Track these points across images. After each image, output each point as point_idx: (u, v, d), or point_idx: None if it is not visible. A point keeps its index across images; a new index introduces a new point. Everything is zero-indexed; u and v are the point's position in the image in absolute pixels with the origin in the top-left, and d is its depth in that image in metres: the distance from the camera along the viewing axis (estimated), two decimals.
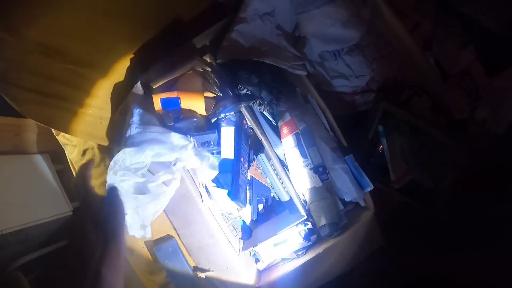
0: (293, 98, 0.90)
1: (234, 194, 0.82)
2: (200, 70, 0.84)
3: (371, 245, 0.93)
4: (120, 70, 0.92)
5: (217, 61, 0.86)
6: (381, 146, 0.93)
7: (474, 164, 0.99)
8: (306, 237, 0.88)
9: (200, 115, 0.84)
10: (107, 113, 0.93)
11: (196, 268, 0.94)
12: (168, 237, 0.96)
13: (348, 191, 0.83)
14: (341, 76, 0.94)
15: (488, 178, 1.01)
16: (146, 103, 0.88)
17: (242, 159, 0.85)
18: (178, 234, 0.93)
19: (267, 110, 0.87)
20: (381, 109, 0.90)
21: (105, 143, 0.92)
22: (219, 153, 0.86)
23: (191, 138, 0.82)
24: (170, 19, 0.91)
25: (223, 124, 0.86)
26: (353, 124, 0.98)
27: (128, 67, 0.92)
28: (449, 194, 0.97)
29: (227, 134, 0.85)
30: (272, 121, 0.91)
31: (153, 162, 0.83)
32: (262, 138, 0.85)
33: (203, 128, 0.87)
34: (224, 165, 0.84)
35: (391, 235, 0.94)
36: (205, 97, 0.82)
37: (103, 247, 0.62)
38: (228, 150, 0.85)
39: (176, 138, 0.80)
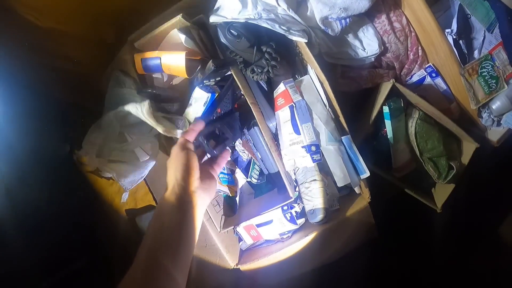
0: (291, 68, 0.83)
1: None
2: (186, 28, 0.78)
3: (364, 236, 0.87)
4: (108, 31, 0.88)
5: (209, 22, 0.80)
6: (385, 129, 0.86)
7: (484, 159, 0.92)
8: (292, 220, 0.82)
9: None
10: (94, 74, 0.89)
11: None
12: (150, 208, 0.93)
13: (342, 175, 0.77)
14: (347, 48, 0.86)
15: (497, 176, 0.94)
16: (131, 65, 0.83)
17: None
18: None
19: (261, 79, 0.81)
20: (389, 88, 0.83)
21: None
22: None
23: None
24: None
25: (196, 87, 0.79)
26: (356, 102, 0.91)
27: (117, 28, 0.88)
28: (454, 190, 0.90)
29: (199, 97, 0.79)
30: (266, 90, 0.85)
31: (130, 127, 0.79)
32: (253, 108, 0.79)
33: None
34: None
35: (384, 226, 0.88)
36: (188, 59, 0.76)
37: None
38: (194, 113, 0.79)
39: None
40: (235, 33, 0.77)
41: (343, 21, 0.83)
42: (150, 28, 0.82)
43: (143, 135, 0.82)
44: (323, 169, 0.83)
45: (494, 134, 0.95)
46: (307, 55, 0.79)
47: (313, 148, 0.77)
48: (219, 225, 0.84)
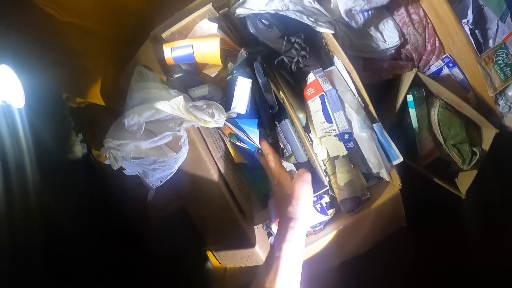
0: (318, 59, 0.85)
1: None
2: (216, 18, 0.79)
3: (394, 224, 0.89)
4: (127, 26, 0.87)
5: (236, 14, 0.82)
6: (408, 118, 0.89)
7: (503, 145, 0.96)
8: (323, 211, 0.83)
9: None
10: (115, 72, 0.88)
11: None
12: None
13: (377, 161, 0.78)
14: (369, 40, 0.90)
15: None
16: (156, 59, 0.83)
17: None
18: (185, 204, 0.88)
19: (290, 70, 0.82)
20: (412, 77, 0.86)
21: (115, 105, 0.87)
22: None
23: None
24: None
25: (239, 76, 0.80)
26: (379, 94, 0.94)
27: (137, 23, 0.88)
28: (477, 177, 0.93)
29: (242, 86, 0.79)
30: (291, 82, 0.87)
31: (156, 123, 0.79)
32: (284, 99, 0.80)
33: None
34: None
35: (411, 215, 0.90)
36: (222, 48, 0.77)
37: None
38: (240, 103, 0.79)
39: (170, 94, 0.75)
40: (267, 23, 0.79)
41: (365, 13, 0.86)
42: (175, 20, 0.82)
43: (171, 129, 0.81)
44: (353, 159, 0.84)
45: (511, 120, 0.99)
46: (334, 46, 0.82)
47: (346, 136, 0.79)
48: (251, 219, 0.84)
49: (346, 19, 0.85)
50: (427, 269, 0.97)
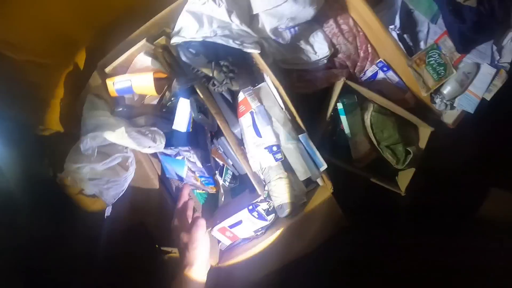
0: (249, 77, 0.92)
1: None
2: (151, 51, 0.87)
3: (334, 226, 0.96)
4: (79, 58, 0.97)
5: (171, 43, 0.90)
6: (342, 124, 0.95)
7: (443, 141, 1.01)
8: (261, 218, 0.91)
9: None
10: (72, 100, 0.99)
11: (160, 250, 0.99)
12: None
13: (303, 170, 0.86)
14: (300, 53, 0.96)
15: (457, 155, 1.03)
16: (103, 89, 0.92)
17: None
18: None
19: (222, 90, 0.90)
20: (340, 86, 0.92)
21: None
22: None
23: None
24: (125, 4, 0.95)
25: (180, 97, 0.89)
26: (318, 102, 1.00)
27: (87, 54, 0.97)
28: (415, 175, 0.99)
29: (182, 106, 0.88)
30: (230, 100, 0.95)
31: (107, 146, 0.89)
32: (217, 118, 0.88)
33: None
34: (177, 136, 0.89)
35: (355, 216, 0.97)
36: (156, 78, 0.86)
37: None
38: (181, 122, 0.88)
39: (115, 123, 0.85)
40: (193, 52, 0.86)
41: (292, 29, 0.93)
42: (117, 53, 0.91)
43: (120, 151, 0.91)
44: (288, 167, 0.92)
45: (450, 117, 1.04)
46: (261, 64, 0.89)
47: (275, 149, 0.86)
48: None
49: (273, 37, 0.91)
50: (369, 269, 1.04)
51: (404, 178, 0.99)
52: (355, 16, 0.97)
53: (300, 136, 0.87)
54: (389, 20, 0.99)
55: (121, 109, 0.89)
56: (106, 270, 0.98)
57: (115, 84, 0.89)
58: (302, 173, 0.86)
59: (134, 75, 0.88)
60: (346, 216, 0.95)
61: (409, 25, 0.99)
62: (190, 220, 0.83)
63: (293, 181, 0.91)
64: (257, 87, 0.91)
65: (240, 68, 0.90)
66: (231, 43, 0.86)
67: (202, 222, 0.79)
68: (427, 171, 1.00)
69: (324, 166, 0.86)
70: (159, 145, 0.88)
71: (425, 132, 0.99)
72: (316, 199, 0.92)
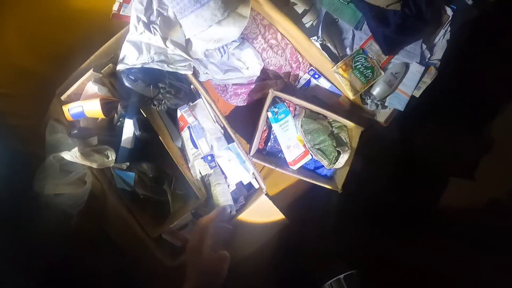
0: (187, 95, 1.04)
1: None
2: (98, 79, 1.00)
3: (274, 224, 1.06)
4: (39, 87, 1.11)
5: (117, 70, 1.02)
6: (274, 131, 1.05)
7: (377, 138, 1.08)
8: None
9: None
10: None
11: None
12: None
13: (233, 175, 0.96)
14: (233, 70, 1.06)
15: (392, 151, 1.10)
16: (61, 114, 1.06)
17: None
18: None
19: (163, 109, 1.02)
20: (270, 97, 1.01)
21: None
22: None
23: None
24: (75, 36, 1.08)
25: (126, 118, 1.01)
26: (254, 111, 1.10)
27: (46, 83, 1.11)
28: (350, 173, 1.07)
29: (128, 126, 1.01)
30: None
31: (70, 163, 1.02)
32: (159, 133, 1.00)
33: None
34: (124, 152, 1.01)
35: (295, 213, 1.06)
36: (104, 103, 0.99)
37: None
38: (127, 139, 1.01)
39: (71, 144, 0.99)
40: (132, 78, 0.99)
41: (222, 49, 1.03)
42: (71, 81, 1.04)
43: (79, 168, 1.05)
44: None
45: (382, 116, 1.11)
46: (195, 83, 1.00)
47: (209, 158, 0.97)
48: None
49: (205, 58, 1.02)
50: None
51: (341, 176, 1.07)
52: (282, 30, 1.06)
53: (230, 145, 0.97)
54: (316, 30, 1.07)
55: (76, 131, 1.02)
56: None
57: (70, 110, 1.02)
58: (233, 179, 0.96)
59: (85, 101, 1.01)
60: (289, 214, 1.05)
61: (334, 34, 1.07)
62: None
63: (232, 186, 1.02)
64: (193, 103, 1.02)
65: (178, 88, 1.02)
66: (166, 68, 0.98)
67: (227, 260, 0.69)
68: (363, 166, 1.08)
69: (251, 171, 0.96)
70: (110, 161, 1.01)
71: (356, 132, 1.06)
72: (252, 200, 1.01)
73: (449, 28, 1.08)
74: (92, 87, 1.03)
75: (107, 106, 1.02)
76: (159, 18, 0.98)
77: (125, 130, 1.01)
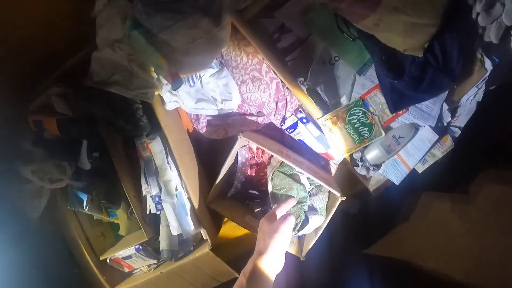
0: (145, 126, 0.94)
1: None
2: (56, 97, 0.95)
3: (224, 275, 0.98)
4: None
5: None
6: None
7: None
8: (151, 256, 1.00)
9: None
10: None
11: None
12: None
13: (176, 225, 0.89)
14: (206, 100, 0.93)
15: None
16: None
17: None
18: None
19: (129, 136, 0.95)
20: (239, 143, 0.88)
21: None
22: None
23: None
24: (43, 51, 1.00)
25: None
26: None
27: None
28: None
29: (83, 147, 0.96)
30: None
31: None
32: (114, 160, 0.94)
33: None
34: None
35: None
36: (58, 119, 0.94)
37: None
38: (83, 162, 0.97)
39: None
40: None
41: (190, 79, 0.90)
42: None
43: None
44: None
45: (374, 183, 0.93)
46: (156, 113, 0.90)
47: (157, 199, 0.90)
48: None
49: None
50: None
51: (308, 244, 0.94)
52: (268, 62, 0.89)
53: (177, 192, 0.88)
54: (303, 69, 0.89)
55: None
56: None
57: (34, 122, 0.99)
58: (174, 228, 0.89)
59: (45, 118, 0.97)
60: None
61: (328, 76, 0.88)
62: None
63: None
64: (151, 135, 0.93)
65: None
66: (124, 93, 0.88)
67: (291, 219, 0.73)
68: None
69: (192, 228, 0.87)
70: (64, 181, 0.98)
71: (336, 199, 0.89)
72: (198, 250, 0.94)
73: (483, 87, 0.83)
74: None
75: (65, 124, 0.96)
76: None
77: (82, 152, 0.96)
